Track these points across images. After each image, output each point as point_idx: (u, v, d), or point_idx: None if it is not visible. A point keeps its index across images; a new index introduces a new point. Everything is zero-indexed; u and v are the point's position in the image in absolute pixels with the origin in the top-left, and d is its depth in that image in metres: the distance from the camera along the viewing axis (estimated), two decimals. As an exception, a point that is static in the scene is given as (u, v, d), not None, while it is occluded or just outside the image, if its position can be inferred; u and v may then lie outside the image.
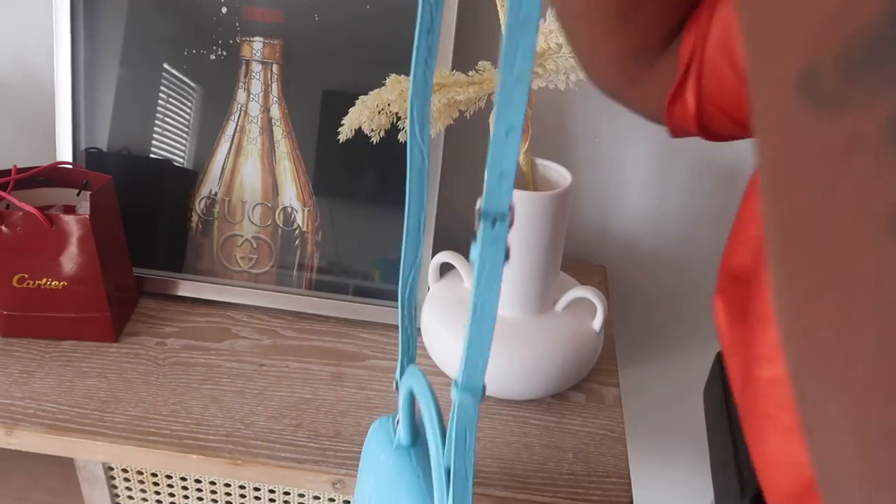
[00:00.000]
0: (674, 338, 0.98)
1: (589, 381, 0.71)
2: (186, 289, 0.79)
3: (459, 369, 0.34)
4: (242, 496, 0.71)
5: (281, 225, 0.78)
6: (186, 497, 0.72)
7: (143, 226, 0.78)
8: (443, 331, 0.68)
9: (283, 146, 0.76)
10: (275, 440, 0.62)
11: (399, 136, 0.63)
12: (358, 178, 0.76)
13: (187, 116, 0.77)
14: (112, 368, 0.69)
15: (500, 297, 0.34)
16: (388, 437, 0.49)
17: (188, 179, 0.78)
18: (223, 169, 0.77)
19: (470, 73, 0.64)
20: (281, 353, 0.73)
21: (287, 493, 0.69)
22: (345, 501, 0.69)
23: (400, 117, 0.62)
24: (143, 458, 0.62)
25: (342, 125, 0.63)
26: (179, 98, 0.76)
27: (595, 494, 0.59)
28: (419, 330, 0.72)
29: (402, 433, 0.47)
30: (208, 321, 0.77)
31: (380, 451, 0.49)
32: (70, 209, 0.74)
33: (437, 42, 0.37)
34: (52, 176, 0.72)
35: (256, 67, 0.75)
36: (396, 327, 0.54)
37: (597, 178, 0.87)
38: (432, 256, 0.72)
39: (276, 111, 0.75)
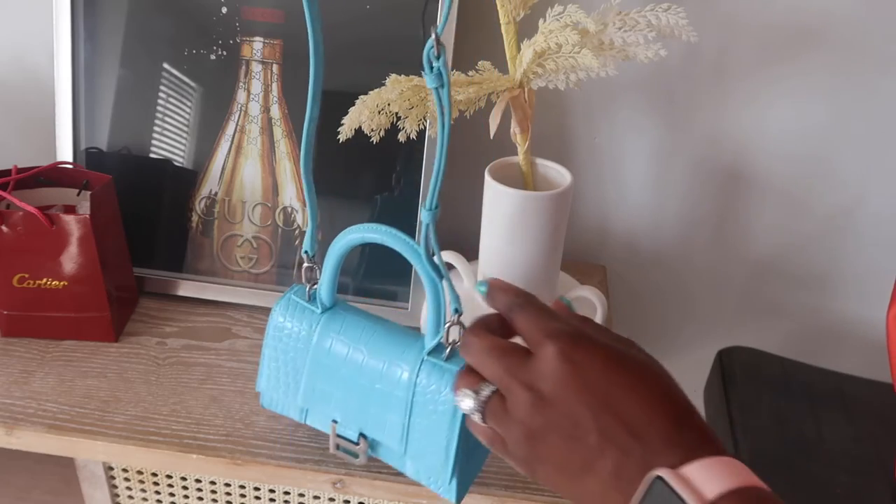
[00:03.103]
0: (673, 337, 0.98)
1: (589, 380, 0.71)
2: (187, 289, 0.79)
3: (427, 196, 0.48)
4: (242, 496, 0.71)
5: (281, 225, 0.78)
6: (186, 497, 0.72)
7: (143, 226, 0.78)
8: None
9: (283, 146, 0.76)
10: (275, 440, 0.62)
11: (399, 136, 0.63)
12: (358, 178, 0.76)
13: (187, 116, 0.77)
14: (112, 368, 0.69)
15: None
16: (306, 308, 0.56)
17: (188, 179, 0.78)
18: (223, 169, 0.77)
19: (470, 73, 0.64)
20: (281, 353, 0.73)
21: (287, 493, 0.70)
22: (345, 501, 0.69)
23: (400, 117, 0.62)
24: (144, 458, 0.62)
25: (342, 125, 0.63)
26: (179, 98, 0.76)
27: (595, 494, 0.59)
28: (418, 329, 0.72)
29: (326, 295, 0.56)
30: (208, 321, 0.77)
31: (307, 319, 0.56)
32: (70, 209, 0.74)
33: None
34: (52, 176, 0.72)
35: (256, 67, 0.75)
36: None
37: (597, 178, 0.87)
38: (432, 256, 0.73)
39: (276, 111, 0.75)
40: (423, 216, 0.48)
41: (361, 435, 0.55)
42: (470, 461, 0.54)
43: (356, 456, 0.56)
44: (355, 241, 0.53)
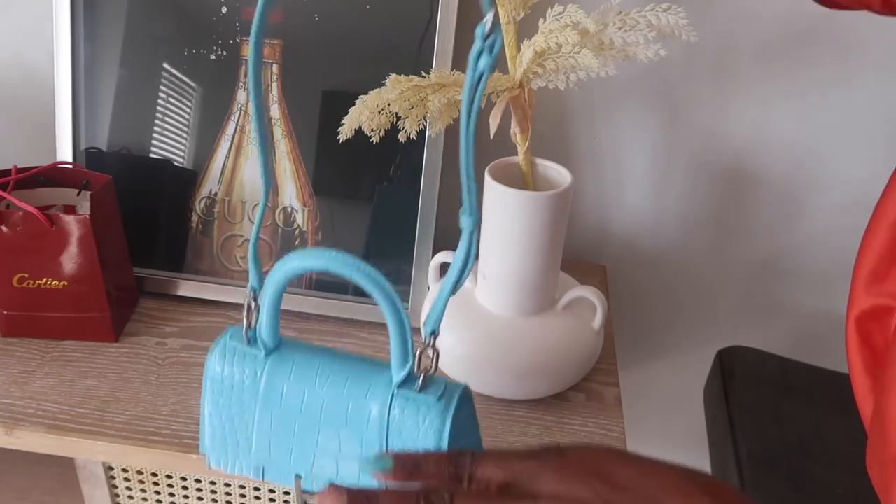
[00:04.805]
0: (673, 337, 0.98)
1: (589, 380, 0.71)
2: (186, 289, 0.79)
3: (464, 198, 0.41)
4: (242, 496, 0.71)
5: (281, 225, 0.78)
6: (186, 497, 0.72)
7: (143, 226, 0.78)
8: (443, 331, 0.67)
9: (283, 146, 0.76)
10: (275, 440, 0.62)
11: (399, 136, 0.63)
12: (358, 178, 0.76)
13: (187, 116, 0.77)
14: (112, 368, 0.69)
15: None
16: (247, 353, 0.48)
17: (188, 179, 0.78)
18: (223, 169, 0.77)
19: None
20: (281, 353, 0.73)
21: (287, 493, 0.70)
22: (345, 501, 0.69)
23: (400, 117, 0.62)
24: (143, 458, 0.62)
25: (342, 125, 0.63)
26: (179, 98, 0.76)
27: (595, 494, 0.59)
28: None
29: (268, 335, 0.47)
30: (208, 321, 0.77)
31: (249, 366, 0.48)
32: (70, 209, 0.74)
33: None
34: (52, 176, 0.72)
35: (256, 67, 0.75)
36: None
37: (597, 178, 0.87)
38: (432, 256, 0.73)
39: (276, 111, 0.75)
40: (466, 223, 0.42)
41: None
42: None
43: None
44: (296, 271, 0.46)
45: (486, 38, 0.37)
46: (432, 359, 0.45)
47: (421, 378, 0.45)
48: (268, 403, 0.47)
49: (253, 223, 0.78)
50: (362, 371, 0.47)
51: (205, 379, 0.49)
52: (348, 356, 0.48)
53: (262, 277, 0.48)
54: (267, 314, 0.47)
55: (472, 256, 0.43)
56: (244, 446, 0.49)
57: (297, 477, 0.49)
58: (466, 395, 0.47)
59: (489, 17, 0.37)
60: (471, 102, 0.39)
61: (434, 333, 0.44)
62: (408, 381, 0.45)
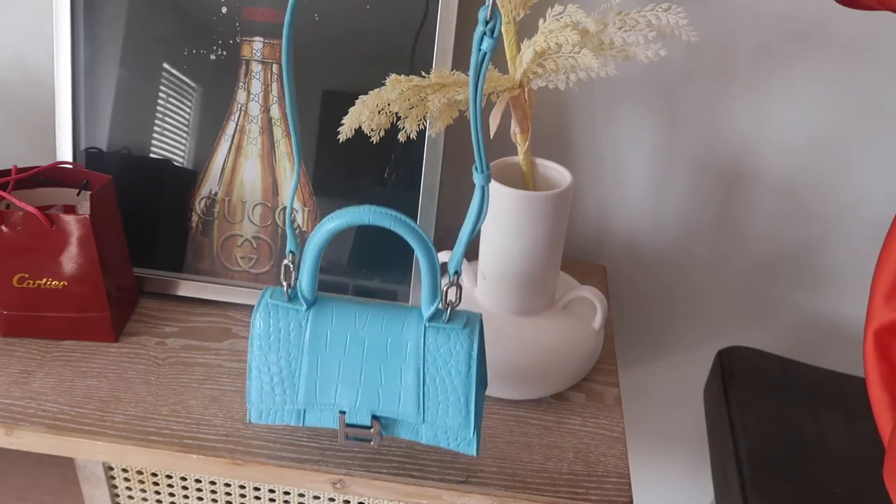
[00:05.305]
0: (673, 337, 0.98)
1: (589, 380, 0.71)
2: (186, 289, 0.79)
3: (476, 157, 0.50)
4: (242, 496, 0.71)
5: (281, 225, 0.78)
6: (186, 497, 0.72)
7: (143, 226, 0.78)
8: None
9: (283, 146, 0.76)
10: (274, 440, 0.62)
11: (399, 136, 0.63)
12: (358, 178, 0.76)
13: (187, 116, 0.77)
14: (112, 368, 0.69)
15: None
16: (290, 308, 0.55)
17: (188, 179, 0.78)
18: (223, 169, 0.77)
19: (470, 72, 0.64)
20: (281, 353, 0.73)
21: (287, 493, 0.70)
22: (345, 501, 0.69)
23: (400, 117, 0.62)
24: (143, 458, 0.62)
25: (342, 125, 0.63)
26: (179, 98, 0.76)
27: (595, 494, 0.59)
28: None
29: (308, 290, 0.55)
30: (208, 321, 0.77)
31: (294, 319, 0.55)
32: (70, 209, 0.74)
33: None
34: (52, 176, 0.72)
35: (256, 67, 0.75)
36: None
37: (597, 178, 0.87)
38: (432, 256, 0.73)
39: (275, 111, 0.75)
40: (477, 179, 0.50)
41: (374, 417, 0.56)
42: (479, 409, 0.57)
43: (369, 440, 0.57)
44: (337, 228, 0.53)
45: (486, 22, 0.43)
46: (456, 294, 0.54)
47: (448, 312, 0.54)
48: (314, 350, 0.55)
49: (253, 223, 0.78)
50: (395, 312, 0.55)
51: (251, 337, 0.56)
52: (381, 304, 0.57)
53: (297, 241, 0.56)
54: (308, 270, 0.54)
55: (484, 207, 0.51)
56: (290, 394, 0.56)
57: (342, 413, 0.56)
58: (482, 323, 0.56)
59: (490, 1, 0.43)
60: (476, 79, 0.46)
61: (457, 273, 0.53)
62: (436, 315, 0.54)
